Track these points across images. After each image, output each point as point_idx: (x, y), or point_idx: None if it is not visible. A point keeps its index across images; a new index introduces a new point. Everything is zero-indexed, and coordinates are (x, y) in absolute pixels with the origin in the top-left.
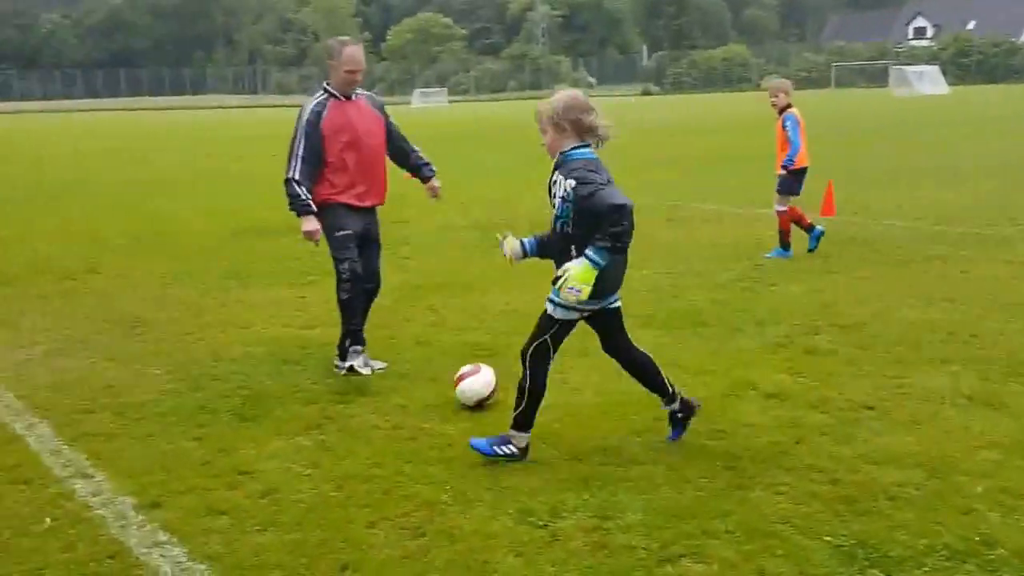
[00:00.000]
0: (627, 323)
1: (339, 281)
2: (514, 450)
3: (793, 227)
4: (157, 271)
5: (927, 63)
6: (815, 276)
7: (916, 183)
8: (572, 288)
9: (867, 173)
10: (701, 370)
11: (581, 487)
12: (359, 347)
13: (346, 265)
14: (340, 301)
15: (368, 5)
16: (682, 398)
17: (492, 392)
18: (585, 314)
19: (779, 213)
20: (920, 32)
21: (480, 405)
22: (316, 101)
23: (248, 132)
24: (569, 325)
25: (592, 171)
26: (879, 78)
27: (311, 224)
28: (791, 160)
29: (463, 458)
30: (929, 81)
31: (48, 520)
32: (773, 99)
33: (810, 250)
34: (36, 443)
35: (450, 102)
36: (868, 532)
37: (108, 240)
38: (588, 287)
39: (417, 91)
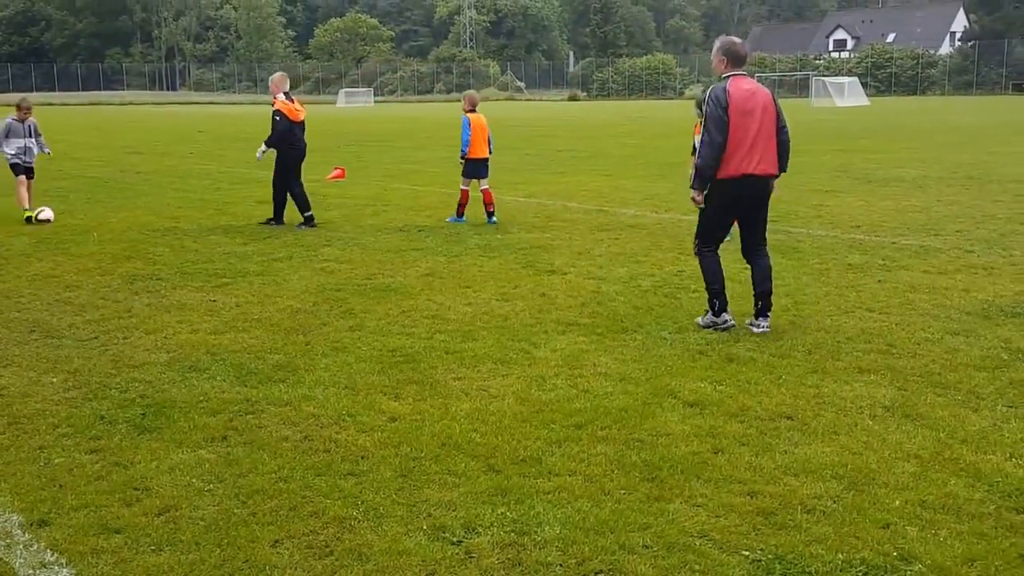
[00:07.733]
0: (549, 328)
1: None
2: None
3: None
4: (59, 272)
5: (847, 74)
6: (735, 283)
7: (834, 192)
8: None
9: (788, 180)
10: (622, 377)
11: (498, 500)
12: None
13: None
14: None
15: (293, 4)
16: None
17: None
18: None
19: (463, 189)
20: (840, 44)
21: None
22: None
23: (172, 128)
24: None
25: None
26: (799, 89)
27: None
28: (463, 151)
29: (376, 471)
30: (850, 92)
31: None
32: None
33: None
34: None
35: (376, 102)
36: (785, 546)
37: (6, 240)
38: None
39: (342, 91)
